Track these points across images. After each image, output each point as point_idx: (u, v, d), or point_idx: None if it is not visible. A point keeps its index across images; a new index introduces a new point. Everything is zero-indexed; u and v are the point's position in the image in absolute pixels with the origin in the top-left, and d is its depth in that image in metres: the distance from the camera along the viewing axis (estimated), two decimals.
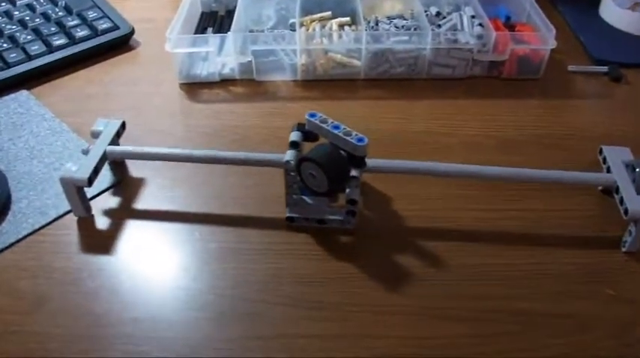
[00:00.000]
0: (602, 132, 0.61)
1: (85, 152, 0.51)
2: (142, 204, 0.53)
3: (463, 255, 0.49)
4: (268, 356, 0.42)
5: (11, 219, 0.51)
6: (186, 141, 0.60)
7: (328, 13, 0.71)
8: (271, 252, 0.49)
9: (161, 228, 0.51)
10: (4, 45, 0.68)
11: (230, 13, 0.72)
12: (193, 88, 0.67)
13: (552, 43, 0.65)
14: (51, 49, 0.68)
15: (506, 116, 0.63)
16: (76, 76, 0.68)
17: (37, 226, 0.51)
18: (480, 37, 0.66)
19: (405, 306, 0.45)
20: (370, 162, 0.48)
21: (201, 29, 0.72)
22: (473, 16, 0.69)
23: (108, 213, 0.52)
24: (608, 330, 0.44)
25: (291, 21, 0.71)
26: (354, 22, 0.70)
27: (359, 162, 0.47)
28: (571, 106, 0.65)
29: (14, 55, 0.67)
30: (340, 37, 0.67)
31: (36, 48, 0.68)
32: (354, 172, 0.47)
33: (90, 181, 0.49)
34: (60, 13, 0.73)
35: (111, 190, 0.54)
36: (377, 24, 0.70)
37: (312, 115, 0.48)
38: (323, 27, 0.69)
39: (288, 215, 0.50)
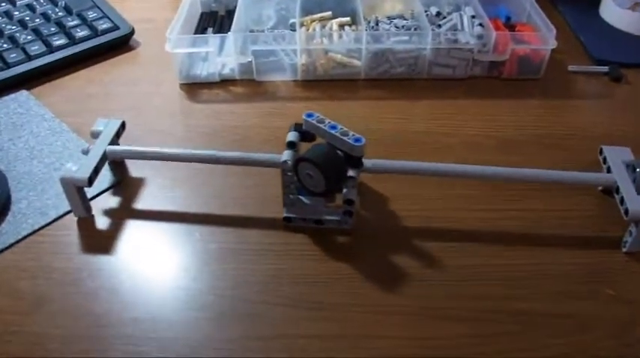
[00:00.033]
0: (602, 132, 0.61)
1: (85, 152, 0.51)
2: (142, 204, 0.53)
3: (463, 255, 0.49)
4: (268, 357, 0.42)
5: (11, 220, 0.51)
6: (186, 141, 0.60)
7: (328, 13, 0.71)
8: (271, 252, 0.49)
9: (161, 229, 0.51)
10: (4, 45, 0.68)
11: (230, 13, 0.72)
12: (193, 88, 0.67)
13: (553, 43, 0.65)
14: (51, 49, 0.68)
15: (507, 116, 0.63)
16: (76, 76, 0.68)
17: (36, 226, 0.51)
18: (480, 37, 0.66)
19: (404, 306, 0.45)
20: (370, 162, 0.48)
21: (201, 29, 0.72)
22: (473, 16, 0.69)
23: (108, 213, 0.52)
24: (608, 330, 0.44)
25: (292, 21, 0.71)
26: (354, 22, 0.70)
27: (356, 162, 0.47)
28: (571, 106, 0.65)
29: (14, 55, 0.67)
30: (340, 37, 0.67)
31: (36, 48, 0.68)
32: (351, 172, 0.47)
33: (90, 181, 0.49)
34: (60, 14, 0.73)
35: (111, 190, 0.54)
36: (377, 24, 0.70)
37: (310, 115, 0.48)
38: (323, 27, 0.69)
39: (285, 215, 0.50)
